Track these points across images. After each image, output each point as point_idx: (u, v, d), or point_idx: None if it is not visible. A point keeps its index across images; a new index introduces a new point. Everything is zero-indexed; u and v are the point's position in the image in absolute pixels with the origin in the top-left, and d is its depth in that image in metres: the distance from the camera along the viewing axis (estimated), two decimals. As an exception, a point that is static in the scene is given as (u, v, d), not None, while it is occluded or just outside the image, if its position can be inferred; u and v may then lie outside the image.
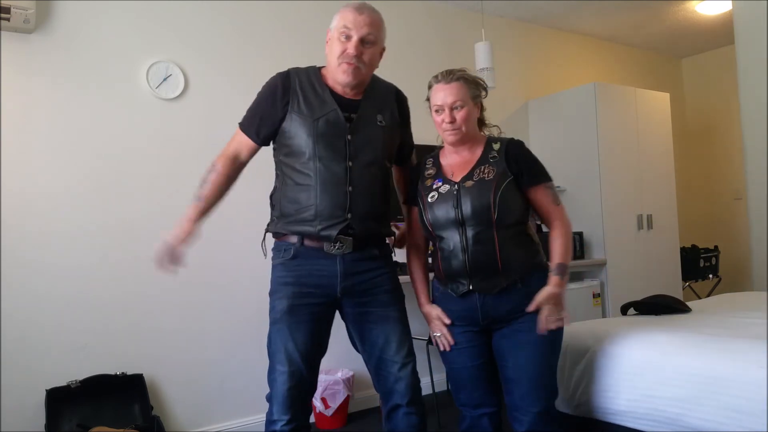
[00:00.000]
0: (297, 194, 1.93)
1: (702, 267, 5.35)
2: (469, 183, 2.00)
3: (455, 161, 2.08)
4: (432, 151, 2.20)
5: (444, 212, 2.00)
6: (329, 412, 3.50)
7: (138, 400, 3.09)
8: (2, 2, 2.77)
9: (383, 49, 2.01)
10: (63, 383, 2.95)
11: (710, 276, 5.43)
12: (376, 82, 2.08)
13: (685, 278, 5.24)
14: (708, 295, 5.14)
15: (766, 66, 3.60)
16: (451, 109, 1.99)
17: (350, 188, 1.92)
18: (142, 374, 3.14)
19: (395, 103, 2.10)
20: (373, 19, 1.92)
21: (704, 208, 6.24)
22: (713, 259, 5.44)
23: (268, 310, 1.99)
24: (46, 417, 2.87)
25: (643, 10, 4.99)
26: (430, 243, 2.19)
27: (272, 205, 2.06)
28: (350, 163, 1.92)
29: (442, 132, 2.04)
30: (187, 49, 3.46)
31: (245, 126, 2.04)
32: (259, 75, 3.75)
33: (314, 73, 2.01)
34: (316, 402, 3.49)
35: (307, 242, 1.93)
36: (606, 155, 4.58)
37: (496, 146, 2.06)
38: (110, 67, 3.23)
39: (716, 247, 5.57)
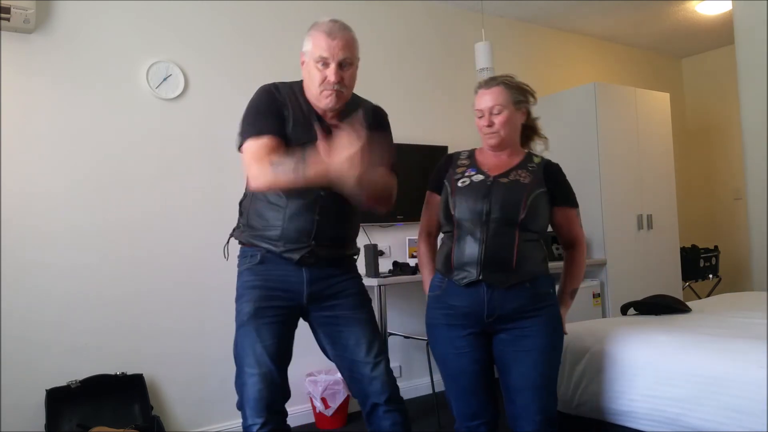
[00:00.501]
0: (266, 211, 1.93)
1: (702, 267, 5.35)
2: (505, 180, 2.03)
3: (492, 162, 2.10)
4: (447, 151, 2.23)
5: (472, 200, 2.01)
6: (329, 412, 3.50)
7: (138, 400, 3.09)
8: (2, 2, 2.77)
9: (358, 62, 1.98)
10: (63, 383, 2.95)
11: (710, 276, 5.43)
12: (356, 100, 2.06)
13: (685, 278, 5.24)
14: (708, 295, 5.14)
15: (766, 66, 3.60)
16: (490, 113, 2.03)
17: (317, 217, 1.92)
18: (142, 374, 3.14)
19: (373, 123, 2.05)
20: (347, 41, 1.89)
21: (704, 208, 6.24)
22: (713, 259, 5.45)
23: (235, 316, 1.96)
24: (46, 417, 2.87)
25: (643, 10, 4.99)
26: (440, 232, 2.19)
27: (240, 212, 2.05)
28: (321, 192, 1.90)
29: (483, 136, 2.08)
30: (187, 49, 3.46)
31: (262, 128, 1.87)
32: (259, 75, 3.76)
33: (299, 91, 1.97)
34: (316, 402, 3.49)
35: None
36: (606, 155, 4.58)
37: (536, 159, 2.12)
38: (110, 67, 3.23)
39: (716, 247, 5.57)
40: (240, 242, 2.03)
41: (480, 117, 2.06)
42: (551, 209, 2.09)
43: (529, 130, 2.17)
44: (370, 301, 2.08)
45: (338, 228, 1.99)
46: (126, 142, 3.26)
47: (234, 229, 2.07)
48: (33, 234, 2.99)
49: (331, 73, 1.86)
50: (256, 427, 1.85)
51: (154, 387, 3.22)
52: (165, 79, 3.37)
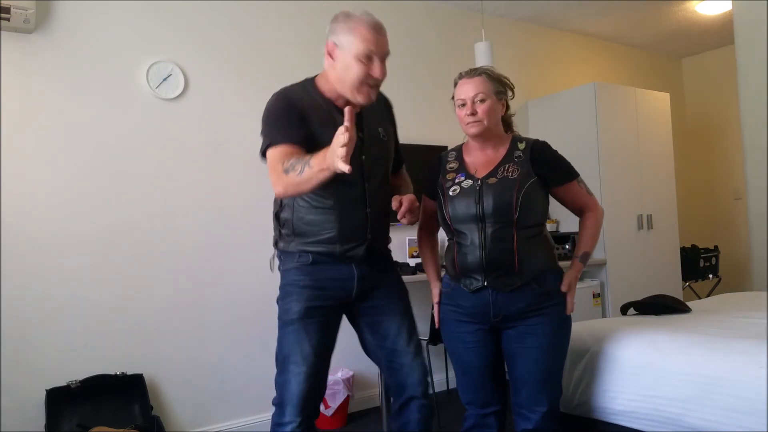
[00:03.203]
0: (314, 216, 1.90)
1: (702, 267, 5.35)
2: (493, 180, 2.01)
3: (479, 159, 2.09)
4: (443, 149, 2.25)
5: (465, 207, 2.01)
6: (329, 412, 3.50)
7: (138, 400, 3.09)
8: (2, 2, 2.77)
9: None
10: (63, 383, 2.95)
11: (710, 276, 5.44)
12: None
13: (685, 278, 5.24)
14: (708, 295, 5.14)
15: (766, 66, 3.60)
16: (473, 102, 2.01)
17: (369, 210, 1.93)
18: (142, 374, 3.14)
19: (386, 112, 2.09)
20: (386, 37, 1.88)
21: (704, 208, 6.24)
22: (713, 259, 5.45)
23: (279, 314, 1.96)
24: (46, 417, 2.87)
25: (643, 10, 4.99)
26: (444, 234, 2.20)
27: (281, 224, 1.98)
28: (367, 184, 1.92)
29: (465, 125, 2.05)
30: (187, 49, 3.46)
31: (276, 137, 1.81)
32: (260, 75, 3.76)
33: (312, 89, 1.93)
34: (316, 402, 3.50)
35: None
36: (606, 155, 4.58)
37: (522, 145, 2.08)
38: (110, 67, 3.23)
39: (716, 247, 5.57)
40: (287, 252, 1.97)
41: (462, 105, 2.03)
42: (550, 190, 2.09)
43: (505, 124, 2.15)
44: (408, 294, 2.10)
45: (385, 218, 2.01)
46: (126, 142, 3.25)
47: (277, 242, 2.01)
48: (33, 234, 2.99)
49: (377, 69, 1.82)
50: (293, 425, 1.85)
51: (154, 387, 3.22)
52: (165, 79, 3.36)
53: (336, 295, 1.94)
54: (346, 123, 1.52)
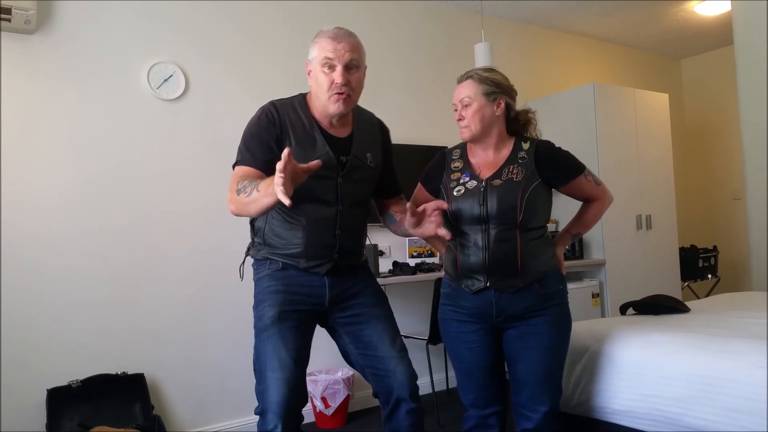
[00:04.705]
0: (284, 230, 1.94)
1: (701, 267, 5.36)
2: (497, 182, 2.01)
3: (483, 160, 2.09)
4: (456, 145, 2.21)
5: (468, 208, 2.01)
6: (329, 412, 3.50)
7: (139, 399, 3.10)
8: (3, 3, 2.77)
9: (365, 68, 1.99)
10: (64, 383, 2.96)
11: (709, 276, 5.45)
12: (362, 113, 2.07)
13: (684, 278, 5.25)
14: (707, 295, 5.15)
15: (765, 66, 3.61)
16: (461, 105, 2.03)
17: (338, 231, 1.95)
18: (143, 374, 3.15)
19: (380, 138, 2.09)
20: (353, 44, 1.89)
21: (703, 208, 6.25)
22: (712, 259, 5.46)
23: (254, 323, 1.97)
24: (47, 416, 2.88)
25: (642, 11, 5.00)
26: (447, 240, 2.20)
27: (254, 231, 2.03)
28: (340, 207, 1.93)
29: (459, 130, 2.08)
30: (188, 49, 3.46)
31: (243, 158, 1.87)
32: (261, 76, 3.77)
33: (300, 106, 1.96)
34: (316, 402, 3.50)
35: None
36: (605, 156, 4.59)
37: (526, 146, 2.08)
38: (111, 68, 3.24)
39: (715, 247, 5.58)
40: (257, 259, 2.02)
41: (455, 111, 2.07)
42: (557, 188, 2.10)
43: (515, 124, 2.12)
44: (386, 299, 2.11)
45: (356, 240, 2.04)
46: (126, 142, 3.26)
47: (249, 248, 2.07)
48: (34, 234, 3.00)
49: (338, 75, 1.85)
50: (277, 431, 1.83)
51: (155, 387, 3.23)
52: (166, 80, 3.37)
53: (309, 301, 1.95)
54: (283, 160, 1.52)
